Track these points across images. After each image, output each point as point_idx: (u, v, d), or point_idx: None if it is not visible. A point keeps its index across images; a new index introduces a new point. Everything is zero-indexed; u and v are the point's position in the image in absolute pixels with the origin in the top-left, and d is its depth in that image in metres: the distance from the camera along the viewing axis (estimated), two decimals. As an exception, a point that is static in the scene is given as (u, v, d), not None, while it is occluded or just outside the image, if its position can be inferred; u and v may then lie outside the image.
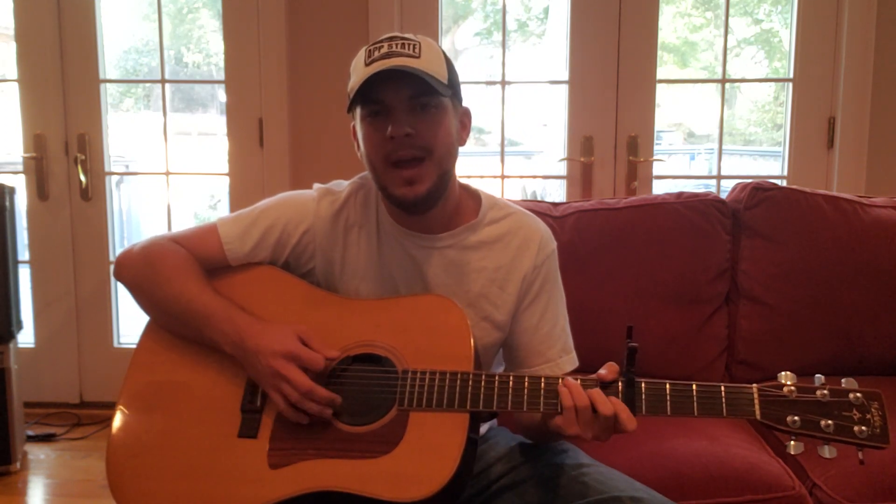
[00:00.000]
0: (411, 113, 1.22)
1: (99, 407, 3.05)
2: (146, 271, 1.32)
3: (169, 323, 1.32)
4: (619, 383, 1.12)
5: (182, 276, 1.29)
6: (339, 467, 1.15)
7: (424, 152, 1.23)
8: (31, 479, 2.56)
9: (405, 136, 1.21)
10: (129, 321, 3.08)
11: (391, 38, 1.25)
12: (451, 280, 1.33)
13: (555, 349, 1.35)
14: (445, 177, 1.28)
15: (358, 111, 1.27)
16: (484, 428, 1.42)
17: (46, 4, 2.92)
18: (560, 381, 1.14)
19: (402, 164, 1.23)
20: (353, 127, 1.33)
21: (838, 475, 1.54)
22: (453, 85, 1.29)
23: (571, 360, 1.36)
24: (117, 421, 1.27)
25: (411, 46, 1.23)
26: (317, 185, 1.41)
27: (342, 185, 1.41)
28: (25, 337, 2.98)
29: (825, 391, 1.07)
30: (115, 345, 3.12)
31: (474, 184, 1.45)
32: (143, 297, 1.34)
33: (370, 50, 1.24)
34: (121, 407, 1.28)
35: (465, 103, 1.35)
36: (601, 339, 1.80)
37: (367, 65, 1.22)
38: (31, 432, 2.82)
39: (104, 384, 3.08)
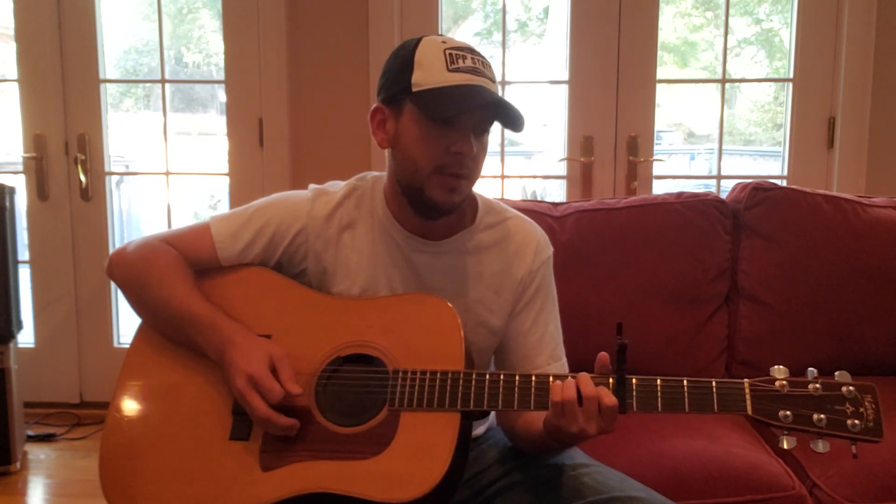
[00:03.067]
0: (473, 134, 1.23)
1: (99, 407, 3.05)
2: (136, 273, 1.32)
3: (157, 325, 1.33)
4: (610, 380, 1.12)
5: (171, 280, 1.29)
6: (331, 468, 1.15)
7: (471, 172, 1.25)
8: (31, 479, 2.56)
9: (472, 158, 1.22)
10: (129, 321, 3.07)
11: (471, 50, 1.24)
12: (448, 285, 1.33)
13: (543, 356, 1.34)
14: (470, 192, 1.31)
15: (411, 107, 1.22)
16: (481, 429, 1.42)
17: (46, 4, 2.92)
18: (550, 376, 1.14)
19: (456, 175, 1.23)
20: (379, 109, 1.27)
21: (838, 475, 1.54)
22: None
23: (559, 368, 1.35)
24: (110, 423, 1.27)
25: (489, 67, 1.24)
26: (312, 186, 1.40)
27: (338, 186, 1.40)
28: (25, 337, 2.98)
29: (817, 385, 1.07)
30: (115, 345, 3.12)
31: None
32: (133, 298, 1.34)
33: (452, 55, 1.21)
34: (113, 409, 1.28)
35: None
36: (601, 339, 1.79)
37: (450, 70, 1.20)
38: (31, 432, 2.82)
39: (104, 384, 3.07)
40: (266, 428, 1.18)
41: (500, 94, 1.24)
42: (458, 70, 1.19)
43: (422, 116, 1.21)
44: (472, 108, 1.19)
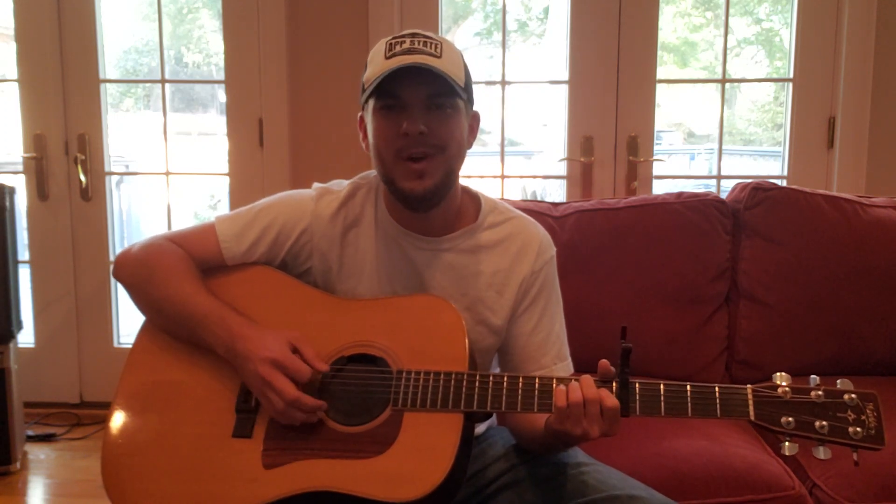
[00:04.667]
0: (426, 111, 1.23)
1: (99, 407, 3.05)
2: (143, 272, 1.32)
3: (164, 323, 1.32)
4: (614, 384, 1.12)
5: (177, 278, 1.29)
6: (333, 467, 1.15)
7: (436, 150, 1.24)
8: (31, 479, 2.56)
9: (419, 133, 1.21)
10: (129, 321, 3.07)
11: (413, 35, 1.25)
12: (448, 283, 1.33)
13: (549, 356, 1.34)
14: (452, 175, 1.29)
15: (371, 103, 1.27)
16: (482, 428, 1.42)
17: (46, 4, 2.92)
18: (554, 380, 1.15)
19: (414, 159, 1.23)
20: (361, 117, 1.33)
21: (838, 475, 1.54)
22: (468, 88, 1.29)
23: (565, 368, 1.35)
24: (113, 420, 1.27)
25: (433, 45, 1.24)
26: (316, 185, 1.41)
27: (342, 185, 1.40)
28: (25, 337, 2.98)
29: (820, 392, 1.07)
30: (115, 345, 3.12)
31: (474, 184, 1.45)
32: (140, 298, 1.34)
33: (391, 43, 1.24)
34: (116, 406, 1.28)
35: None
36: (601, 340, 1.80)
37: (387, 58, 1.22)
38: (31, 432, 2.82)
39: (104, 384, 3.07)
40: (290, 413, 1.17)
41: (448, 65, 1.22)
42: (393, 55, 1.22)
43: (372, 108, 1.26)
44: (382, 80, 1.19)
